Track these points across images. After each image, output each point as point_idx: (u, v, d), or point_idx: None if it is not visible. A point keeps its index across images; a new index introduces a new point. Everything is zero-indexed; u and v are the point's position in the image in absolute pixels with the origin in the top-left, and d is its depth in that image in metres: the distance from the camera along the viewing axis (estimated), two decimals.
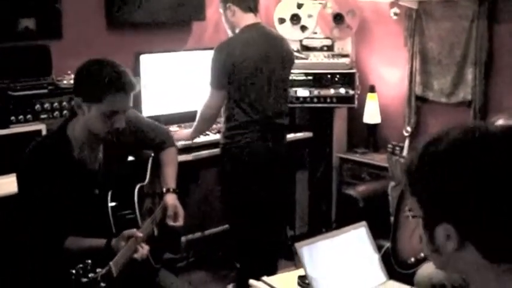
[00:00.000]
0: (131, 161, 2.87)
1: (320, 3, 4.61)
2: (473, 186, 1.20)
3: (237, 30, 3.76)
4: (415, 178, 1.30)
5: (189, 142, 3.95)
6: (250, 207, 3.78)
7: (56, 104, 3.52)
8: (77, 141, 2.52)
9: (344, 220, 4.16)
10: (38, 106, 3.48)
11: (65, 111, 3.52)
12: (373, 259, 2.53)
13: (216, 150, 3.93)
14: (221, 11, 3.83)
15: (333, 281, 2.39)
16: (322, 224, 4.85)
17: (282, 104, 3.84)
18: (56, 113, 3.52)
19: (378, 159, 4.49)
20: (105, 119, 2.45)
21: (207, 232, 4.62)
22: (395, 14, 4.31)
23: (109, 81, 2.40)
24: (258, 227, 3.84)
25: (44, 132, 3.37)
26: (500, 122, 2.54)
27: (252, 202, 3.77)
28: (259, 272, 4.00)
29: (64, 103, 3.54)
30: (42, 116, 3.48)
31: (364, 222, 2.60)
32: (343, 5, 4.57)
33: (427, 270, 2.86)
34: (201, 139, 4.03)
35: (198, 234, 4.59)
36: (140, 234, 2.40)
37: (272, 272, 4.12)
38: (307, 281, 2.41)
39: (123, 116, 2.50)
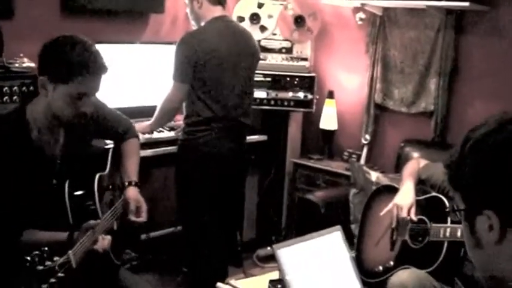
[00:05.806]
0: (91, 150, 2.65)
1: (281, 4, 4.49)
2: None
3: (202, 23, 3.57)
4: (456, 167, 1.28)
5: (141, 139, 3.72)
6: (206, 209, 3.58)
7: (6, 89, 3.24)
8: (36, 124, 2.32)
9: (300, 227, 4.03)
10: None
11: (15, 97, 3.26)
12: (348, 264, 2.42)
13: (167, 149, 3.76)
14: (186, 1, 3.63)
15: (308, 285, 2.25)
16: (271, 230, 4.71)
17: (247, 102, 3.66)
18: (6, 98, 3.24)
19: (334, 166, 4.38)
20: (72, 101, 2.26)
21: (152, 234, 4.39)
22: (361, 19, 4.23)
23: (80, 62, 2.21)
24: (212, 229, 3.66)
25: None
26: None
27: (209, 203, 3.58)
28: (207, 278, 3.83)
29: (15, 88, 3.26)
30: None
31: (339, 227, 2.49)
32: (305, 8, 4.47)
33: (401, 277, 2.77)
34: (151, 136, 3.78)
35: (142, 236, 4.36)
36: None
37: (221, 278, 3.95)
38: (279, 286, 2.27)
39: (90, 99, 2.31)
